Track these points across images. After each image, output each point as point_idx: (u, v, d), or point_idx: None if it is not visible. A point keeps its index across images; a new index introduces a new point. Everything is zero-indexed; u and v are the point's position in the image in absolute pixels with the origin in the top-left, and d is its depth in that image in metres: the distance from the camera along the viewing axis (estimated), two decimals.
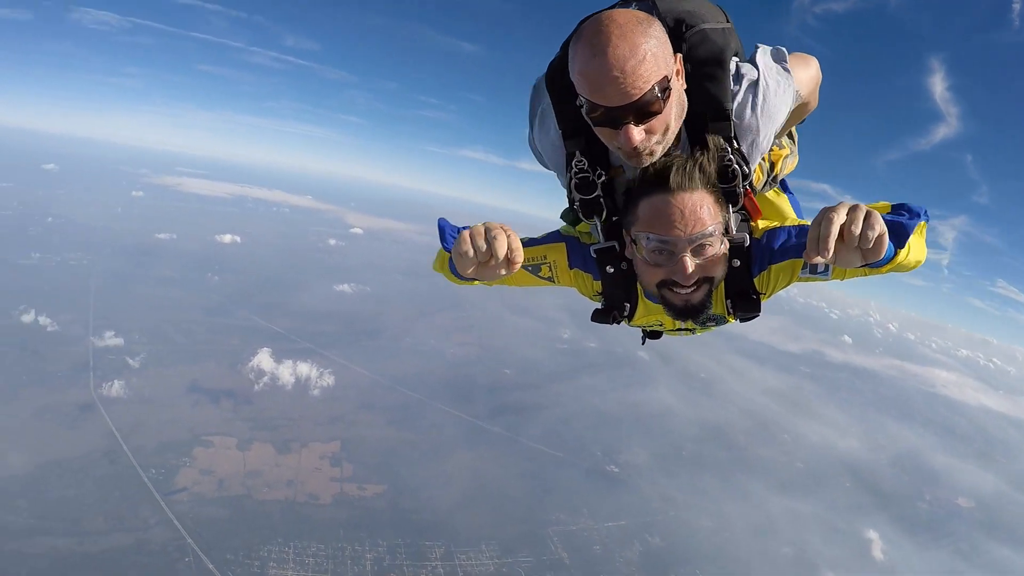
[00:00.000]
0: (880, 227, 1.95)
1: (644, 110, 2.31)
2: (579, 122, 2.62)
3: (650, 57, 2.24)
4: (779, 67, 2.78)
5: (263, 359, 72.80)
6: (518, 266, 2.20)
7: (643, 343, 3.76)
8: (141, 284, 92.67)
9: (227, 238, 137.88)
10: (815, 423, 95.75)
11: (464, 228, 2.34)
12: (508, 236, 2.18)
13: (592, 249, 2.87)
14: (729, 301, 2.89)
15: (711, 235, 2.46)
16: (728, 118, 2.64)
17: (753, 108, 2.67)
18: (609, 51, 2.21)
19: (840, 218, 1.95)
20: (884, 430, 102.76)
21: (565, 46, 2.70)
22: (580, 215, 2.84)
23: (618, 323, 3.14)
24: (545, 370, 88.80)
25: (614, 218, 2.81)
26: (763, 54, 2.79)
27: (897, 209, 2.32)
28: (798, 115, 3.11)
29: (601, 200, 2.77)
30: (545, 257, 2.97)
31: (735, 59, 2.74)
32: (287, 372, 71.57)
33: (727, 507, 63.74)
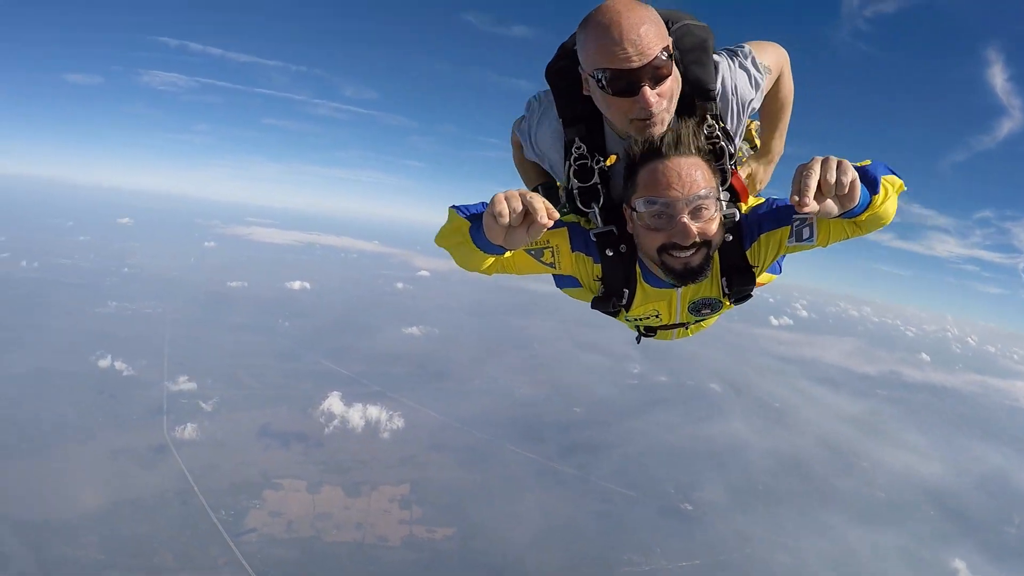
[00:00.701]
0: (852, 173, 2.23)
1: (658, 72, 2.63)
2: (579, 110, 3.03)
3: (655, 26, 2.62)
4: (748, 57, 3.18)
5: (333, 402, 73.43)
6: (551, 223, 2.31)
7: (638, 341, 3.86)
8: (214, 331, 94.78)
9: (297, 284, 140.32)
10: (895, 449, 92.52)
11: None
12: (538, 197, 2.29)
13: (592, 233, 3.02)
14: (724, 279, 3.06)
15: (707, 197, 2.63)
16: (713, 98, 3.00)
17: (734, 91, 3.09)
18: (623, 21, 2.56)
19: (816, 169, 2.20)
20: (968, 451, 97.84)
21: (562, 48, 3.14)
22: (578, 204, 3.03)
23: (616, 312, 3.27)
24: (616, 407, 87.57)
25: (611, 204, 3.04)
26: (731, 53, 3.18)
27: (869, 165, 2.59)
28: (774, 102, 3.49)
29: (599, 186, 3.00)
30: (548, 242, 3.02)
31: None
32: (357, 415, 72.00)
33: (805, 542, 61.53)
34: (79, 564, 45.75)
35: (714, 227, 2.70)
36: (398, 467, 63.65)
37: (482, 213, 2.48)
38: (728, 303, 3.21)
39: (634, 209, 2.71)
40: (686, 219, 2.60)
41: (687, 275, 2.75)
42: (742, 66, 3.13)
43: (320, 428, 69.84)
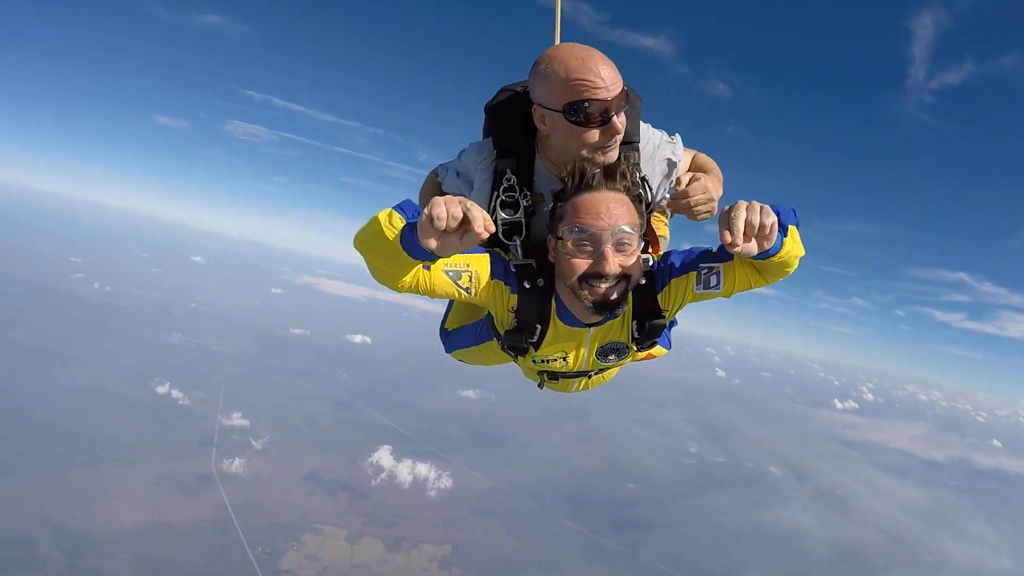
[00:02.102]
0: (773, 217, 2.45)
1: (622, 104, 2.84)
2: (513, 144, 3.18)
3: (615, 67, 2.84)
4: (674, 136, 3.45)
5: (383, 456, 73.48)
6: (486, 235, 2.32)
7: (540, 387, 3.80)
8: (273, 373, 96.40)
9: (358, 338, 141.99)
10: (962, 541, 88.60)
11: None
12: (479, 208, 2.32)
13: (512, 264, 3.06)
14: (635, 322, 3.16)
15: (631, 232, 2.75)
16: (637, 149, 3.21)
17: (656, 149, 3.32)
18: (594, 56, 2.79)
19: (743, 211, 2.42)
20: None
21: (502, 90, 3.32)
22: (500, 236, 3.09)
23: (524, 352, 3.27)
24: (669, 485, 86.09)
25: (530, 242, 3.17)
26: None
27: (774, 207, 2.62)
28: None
29: (523, 221, 3.10)
30: (468, 265, 2.98)
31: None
32: (406, 471, 71.80)
33: None
34: (107, 573, 46.61)
35: (634, 263, 2.80)
36: (442, 527, 62.89)
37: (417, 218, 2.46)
38: (635, 349, 3.31)
39: (559, 237, 2.81)
40: (610, 250, 2.70)
41: (604, 307, 2.80)
42: (667, 139, 3.39)
43: (367, 479, 69.72)
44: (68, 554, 47.79)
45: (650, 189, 3.15)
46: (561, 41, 3.56)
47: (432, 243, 2.31)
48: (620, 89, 2.80)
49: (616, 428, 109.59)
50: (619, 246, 2.73)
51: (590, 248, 2.72)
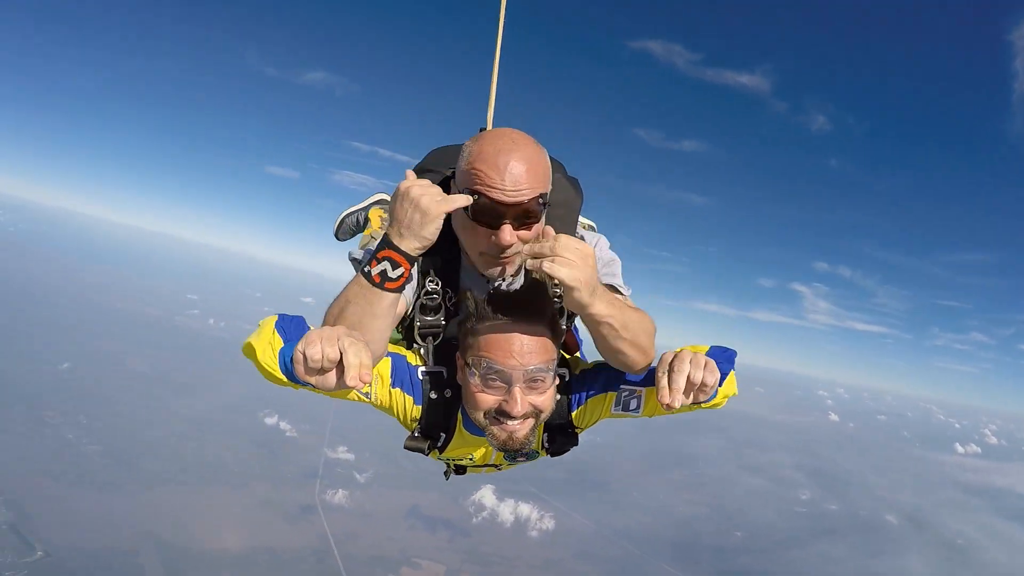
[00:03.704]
0: (716, 374, 2.27)
1: (526, 214, 2.50)
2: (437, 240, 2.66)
3: (542, 171, 2.53)
4: (607, 252, 3.03)
5: (486, 495, 73.71)
6: (364, 385, 2.07)
7: (447, 478, 3.72)
8: (364, 413, 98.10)
9: None
10: None
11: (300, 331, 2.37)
12: (360, 348, 2.06)
13: (420, 371, 2.85)
14: (546, 435, 3.00)
15: (546, 370, 2.51)
16: None
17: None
18: (511, 152, 2.46)
19: (686, 368, 2.23)
20: None
21: (429, 156, 3.16)
22: (416, 337, 2.88)
23: (429, 453, 3.10)
24: (779, 534, 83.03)
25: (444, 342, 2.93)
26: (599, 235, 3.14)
27: (714, 351, 2.61)
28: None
29: (442, 322, 2.86)
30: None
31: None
32: (507, 511, 71.76)
33: None
34: None
35: (547, 399, 2.57)
36: (541, 569, 62.40)
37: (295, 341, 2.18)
38: (544, 454, 3.14)
39: (468, 364, 2.56)
40: (519, 390, 2.45)
41: (510, 447, 2.56)
42: (607, 256, 3.00)
43: (468, 517, 70.05)
44: (169, 568, 50.06)
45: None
46: (494, 119, 3.38)
47: (307, 379, 2.07)
48: (527, 197, 2.45)
49: (723, 474, 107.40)
50: (531, 383, 2.48)
51: (499, 385, 2.48)
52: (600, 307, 2.34)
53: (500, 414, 2.51)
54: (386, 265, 2.28)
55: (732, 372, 2.68)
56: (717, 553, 72.94)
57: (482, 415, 2.55)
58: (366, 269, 2.29)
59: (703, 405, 2.59)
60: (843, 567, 75.74)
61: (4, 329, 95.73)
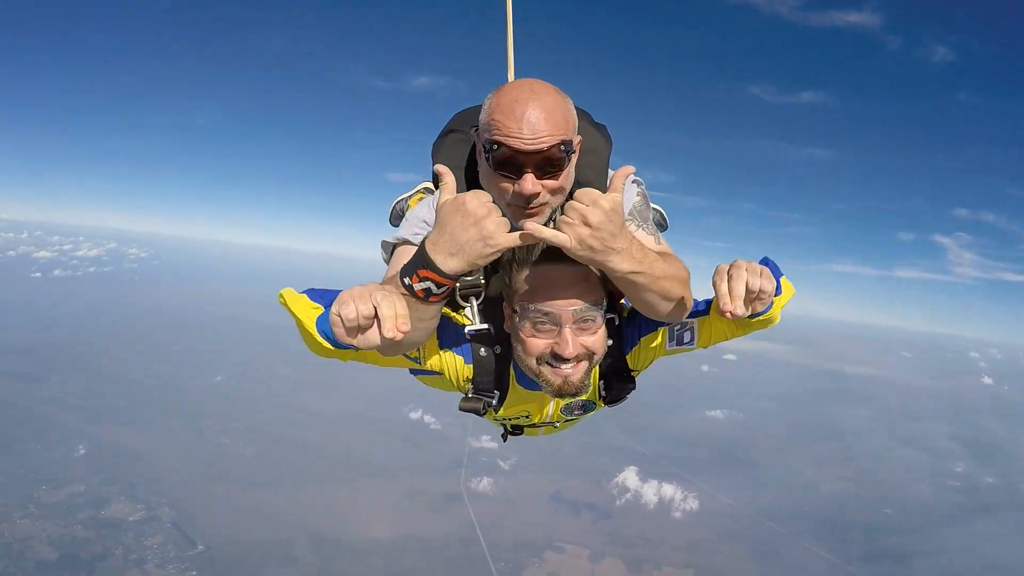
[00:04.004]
0: (773, 282, 2.31)
1: (548, 162, 2.43)
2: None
3: (562, 117, 2.43)
4: (644, 191, 2.92)
5: (629, 476, 74.11)
6: (403, 335, 2.04)
7: (504, 439, 3.68)
8: None
9: None
10: None
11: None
12: (395, 300, 2.05)
13: (467, 331, 2.76)
14: (602, 382, 2.95)
15: (595, 310, 2.50)
16: None
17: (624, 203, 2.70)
18: (531, 100, 2.40)
19: (743, 274, 2.26)
20: None
21: (445, 130, 3.15)
22: (457, 298, 2.71)
23: (485, 413, 3.01)
24: (932, 511, 78.17)
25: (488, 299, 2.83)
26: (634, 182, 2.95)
27: (764, 261, 2.57)
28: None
29: (482, 280, 2.71)
30: None
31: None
32: (651, 492, 71.68)
33: None
34: None
35: (599, 341, 2.55)
36: (685, 550, 61.92)
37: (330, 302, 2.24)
38: (602, 404, 3.09)
39: (515, 311, 2.55)
40: (570, 331, 2.45)
41: (566, 391, 2.56)
42: (639, 192, 2.91)
43: (612, 500, 70.46)
44: (321, 557, 53.52)
45: None
46: (515, 70, 3.43)
47: (349, 340, 2.11)
48: (547, 144, 2.39)
49: (872, 447, 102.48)
50: (581, 324, 2.48)
51: (548, 328, 2.48)
52: (619, 263, 2.32)
53: (553, 358, 2.51)
54: (430, 284, 2.25)
55: (785, 281, 2.69)
56: (865, 532, 69.98)
57: (535, 361, 2.55)
58: (407, 281, 2.25)
59: (760, 318, 2.55)
60: (1000, 545, 70.51)
61: (162, 352, 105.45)
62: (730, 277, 2.25)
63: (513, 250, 2.54)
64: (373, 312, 2.01)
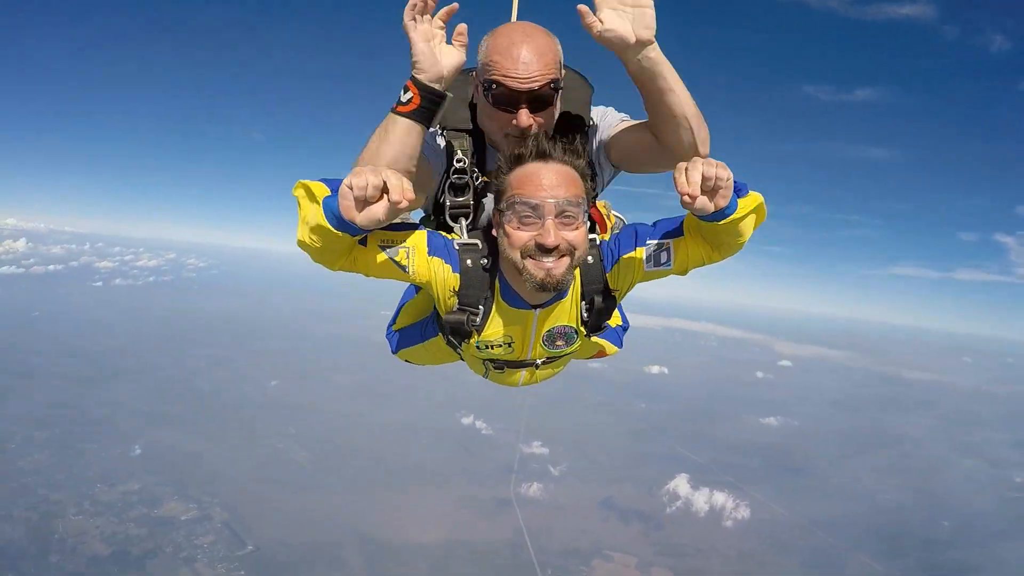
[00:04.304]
0: (728, 172, 2.48)
1: (540, 98, 2.88)
2: (460, 122, 3.23)
3: (552, 58, 2.87)
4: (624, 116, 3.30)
5: (680, 484, 73.33)
6: (404, 204, 2.38)
7: (485, 377, 3.66)
8: (573, 405, 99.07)
9: (655, 369, 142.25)
10: None
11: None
12: (402, 176, 2.41)
13: (456, 242, 2.99)
14: (584, 303, 3.08)
15: (577, 204, 2.67)
16: (585, 132, 3.26)
17: (607, 127, 3.28)
18: (524, 42, 2.82)
19: (699, 164, 2.47)
20: None
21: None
22: (447, 219, 3.17)
23: (468, 336, 3.13)
24: (993, 523, 74.43)
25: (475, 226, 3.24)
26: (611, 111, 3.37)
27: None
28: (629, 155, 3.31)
29: (471, 204, 3.16)
30: (404, 241, 2.88)
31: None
32: (702, 500, 70.89)
33: None
34: None
35: (580, 237, 2.70)
36: (736, 560, 61.17)
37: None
38: (583, 333, 3.21)
39: (502, 211, 2.74)
40: (552, 222, 2.62)
41: (548, 284, 2.69)
42: (622, 117, 3.30)
43: (662, 508, 69.80)
44: (370, 561, 54.38)
45: (594, 176, 3.11)
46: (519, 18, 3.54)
47: (354, 214, 2.40)
48: (540, 83, 2.82)
49: (931, 456, 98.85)
50: (563, 218, 2.64)
51: (533, 220, 2.64)
52: (658, 53, 2.71)
53: (537, 250, 2.65)
54: (399, 94, 2.66)
55: (756, 195, 2.79)
56: (924, 545, 67.35)
57: (519, 254, 2.68)
58: (398, 99, 2.68)
59: (726, 221, 2.64)
60: None
61: (218, 358, 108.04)
62: (687, 169, 2.47)
63: (507, 153, 2.82)
64: (382, 184, 2.35)
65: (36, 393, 79.51)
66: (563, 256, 2.66)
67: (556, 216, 2.61)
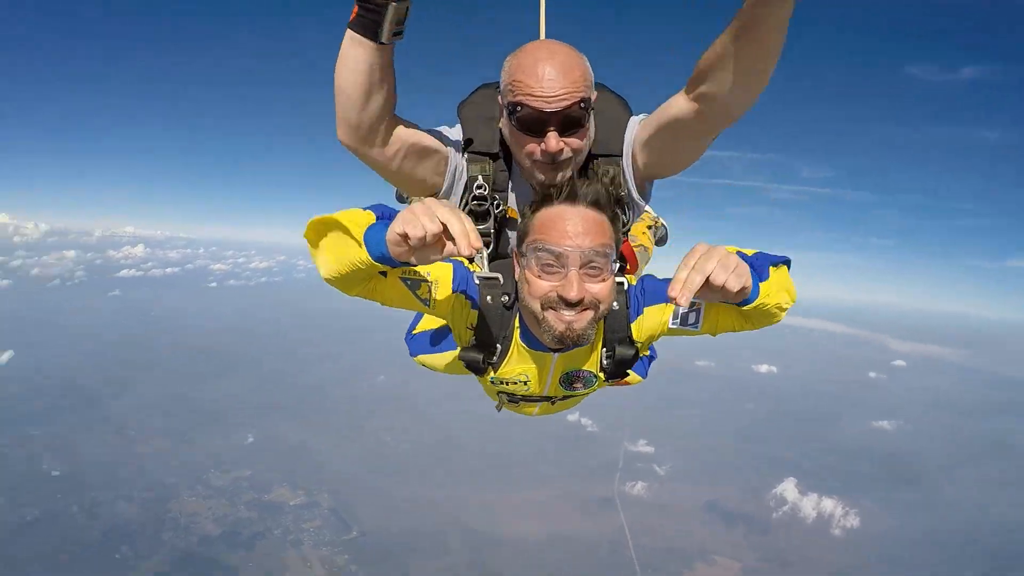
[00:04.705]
0: (742, 279, 2.08)
1: (569, 120, 2.65)
2: (483, 146, 3.01)
3: (580, 76, 2.64)
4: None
5: (787, 488, 71.85)
6: (472, 254, 2.07)
7: (498, 410, 3.56)
8: (679, 403, 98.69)
9: (764, 368, 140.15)
10: None
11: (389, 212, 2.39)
12: (461, 216, 2.05)
13: (476, 276, 2.82)
14: (605, 350, 2.87)
15: (605, 255, 2.43)
16: (619, 164, 2.97)
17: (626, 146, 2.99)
18: (550, 61, 2.61)
19: (707, 267, 2.02)
20: None
21: (478, 88, 3.18)
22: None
23: (484, 370, 2.96)
24: None
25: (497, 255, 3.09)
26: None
27: (759, 256, 2.49)
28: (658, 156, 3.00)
29: (492, 231, 3.00)
30: (430, 274, 2.70)
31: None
32: (810, 506, 69.19)
33: None
34: (501, 572, 53.55)
35: (605, 289, 2.48)
36: (842, 573, 59.00)
37: (389, 217, 2.28)
38: (602, 378, 3.00)
39: (524, 254, 2.53)
40: (576, 274, 2.39)
41: (568, 338, 2.50)
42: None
43: (768, 512, 68.60)
44: (472, 550, 56.04)
45: (627, 209, 2.96)
46: (546, 35, 3.37)
47: (406, 257, 2.14)
48: (567, 103, 2.59)
49: None
50: (588, 269, 2.41)
51: (555, 270, 2.42)
52: None
53: (558, 302, 2.44)
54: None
55: (784, 270, 2.57)
56: None
57: (539, 304, 2.48)
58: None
59: (751, 306, 2.40)
60: None
61: (326, 354, 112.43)
62: (693, 267, 2.05)
63: (533, 187, 2.76)
64: (440, 229, 2.02)
65: (155, 385, 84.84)
66: (586, 309, 2.46)
67: (581, 267, 2.39)
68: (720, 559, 58.83)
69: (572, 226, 2.39)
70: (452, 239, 2.01)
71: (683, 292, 2.00)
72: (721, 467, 77.82)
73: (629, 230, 3.12)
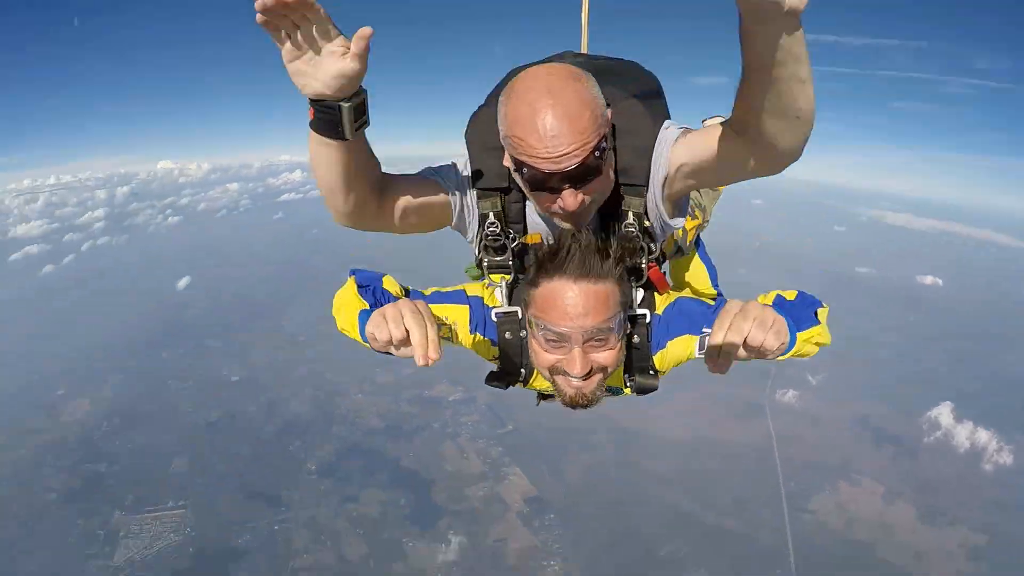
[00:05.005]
0: (781, 338, 1.95)
1: (584, 173, 2.29)
2: (492, 180, 2.69)
3: (589, 119, 2.23)
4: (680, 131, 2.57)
5: (942, 413, 68.50)
6: (428, 364, 2.07)
7: (537, 404, 3.52)
8: (836, 312, 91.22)
9: (928, 279, 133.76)
10: None
11: (380, 294, 2.69)
12: (427, 326, 2.06)
13: (493, 313, 2.81)
14: (627, 375, 2.88)
15: (608, 329, 2.39)
16: (643, 195, 2.61)
17: (656, 170, 2.59)
18: (550, 110, 2.20)
19: (744, 328, 1.93)
20: None
21: (491, 97, 2.89)
22: (486, 274, 2.84)
23: (512, 387, 3.10)
24: None
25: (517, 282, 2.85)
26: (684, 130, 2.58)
27: (797, 302, 2.63)
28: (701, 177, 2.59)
29: (510, 263, 2.79)
30: (447, 318, 2.83)
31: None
32: (964, 434, 65.79)
33: None
34: (649, 471, 56.17)
35: (611, 356, 2.46)
36: (987, 511, 55.16)
37: (369, 284, 2.66)
38: (629, 391, 3.03)
39: (529, 322, 2.52)
40: (579, 351, 2.38)
41: (579, 403, 2.55)
42: (675, 128, 2.62)
43: (919, 436, 66.19)
44: (620, 447, 58.66)
45: (654, 240, 2.76)
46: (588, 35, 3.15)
47: (381, 349, 2.21)
48: (579, 158, 2.24)
49: None
50: (593, 342, 2.40)
51: (559, 345, 2.42)
52: (802, 34, 1.75)
53: (565, 371, 2.44)
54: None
55: (822, 318, 2.62)
56: None
57: (547, 371, 2.51)
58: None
59: (781, 358, 2.28)
60: None
61: None
62: (730, 327, 1.95)
63: (535, 255, 2.45)
64: (404, 335, 2.03)
65: (319, 297, 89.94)
66: (594, 375, 2.47)
67: (585, 342, 2.38)
68: (865, 480, 57.73)
69: (573, 306, 2.33)
70: (413, 347, 2.04)
71: (720, 365, 2.03)
72: (876, 382, 75.54)
73: (654, 255, 2.79)
